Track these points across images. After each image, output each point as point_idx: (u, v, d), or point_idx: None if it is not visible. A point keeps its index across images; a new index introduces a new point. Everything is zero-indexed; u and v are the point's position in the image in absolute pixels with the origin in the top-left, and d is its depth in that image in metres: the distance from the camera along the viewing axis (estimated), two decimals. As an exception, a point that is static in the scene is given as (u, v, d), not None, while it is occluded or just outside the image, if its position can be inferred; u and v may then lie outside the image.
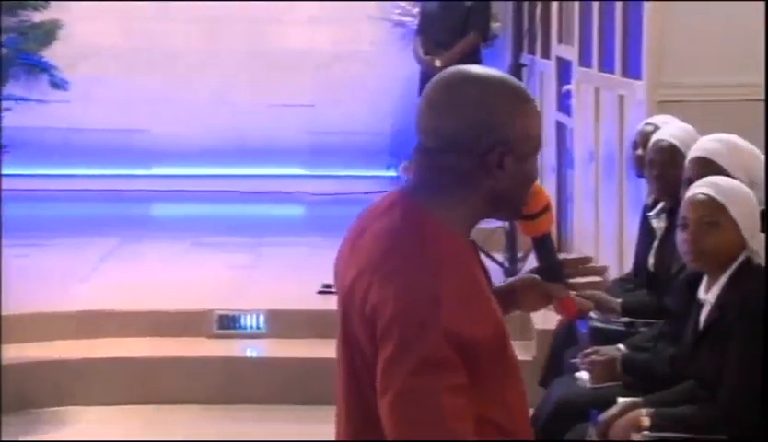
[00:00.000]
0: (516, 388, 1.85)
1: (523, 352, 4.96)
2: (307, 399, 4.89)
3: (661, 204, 3.82)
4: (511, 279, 2.08)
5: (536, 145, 1.85)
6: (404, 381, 1.71)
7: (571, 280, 2.03)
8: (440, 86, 1.83)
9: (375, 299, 1.76)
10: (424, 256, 1.76)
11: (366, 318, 1.77)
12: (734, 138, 3.40)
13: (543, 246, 2.03)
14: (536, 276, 2.03)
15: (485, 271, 1.89)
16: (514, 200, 1.86)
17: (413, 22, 7.97)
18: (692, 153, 3.45)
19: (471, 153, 1.79)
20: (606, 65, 5.32)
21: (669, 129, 3.84)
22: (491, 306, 1.81)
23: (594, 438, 3.06)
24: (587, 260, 2.08)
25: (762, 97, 4.25)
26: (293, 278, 5.84)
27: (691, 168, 3.38)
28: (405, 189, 1.85)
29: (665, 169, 3.72)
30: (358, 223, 1.90)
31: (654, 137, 3.83)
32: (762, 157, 3.36)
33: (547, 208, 1.98)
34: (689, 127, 3.82)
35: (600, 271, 2.15)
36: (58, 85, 7.37)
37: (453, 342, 1.71)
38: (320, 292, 5.54)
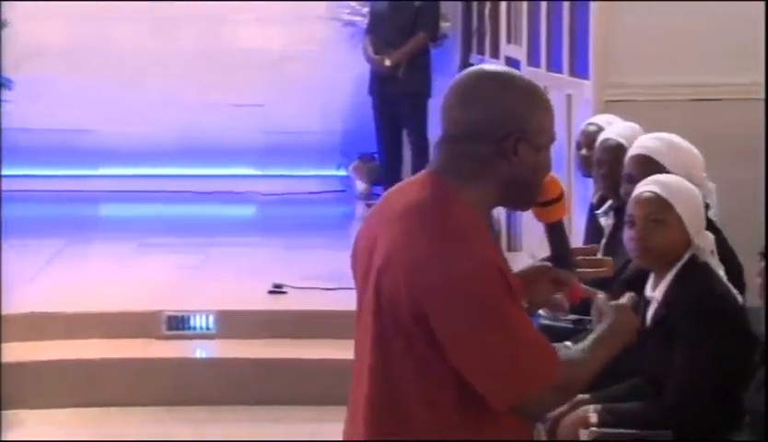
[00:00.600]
0: None
1: (473, 350, 4.98)
2: (258, 399, 4.88)
3: (609, 202, 3.85)
4: (523, 268, 2.20)
5: (550, 137, 2.04)
6: (476, 327, 1.91)
7: (579, 269, 2.16)
8: (464, 80, 2.04)
9: (421, 278, 1.92)
10: (455, 228, 1.95)
11: (413, 291, 1.92)
12: (673, 137, 3.45)
13: (556, 233, 2.13)
14: (548, 263, 2.16)
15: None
16: (529, 187, 2.03)
17: (363, 22, 7.97)
18: (632, 150, 3.49)
19: (489, 140, 1.98)
20: (554, 65, 5.36)
21: (616, 128, 3.88)
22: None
23: (542, 435, 3.08)
24: (593, 250, 2.27)
25: (706, 96, 4.32)
26: (243, 278, 5.81)
27: (631, 165, 3.43)
28: (432, 172, 2.03)
29: (612, 168, 3.75)
30: (384, 203, 2.09)
31: (601, 136, 3.87)
32: (700, 155, 3.41)
33: (561, 197, 2.10)
34: (635, 126, 3.86)
35: (605, 263, 2.27)
36: (3, 84, 7.27)
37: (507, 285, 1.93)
38: (270, 292, 5.52)
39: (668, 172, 3.23)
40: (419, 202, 1.99)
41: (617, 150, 3.75)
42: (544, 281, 2.14)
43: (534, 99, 2.02)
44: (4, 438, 4.60)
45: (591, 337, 2.08)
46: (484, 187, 2.00)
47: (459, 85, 2.03)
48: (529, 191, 2.04)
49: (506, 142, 1.98)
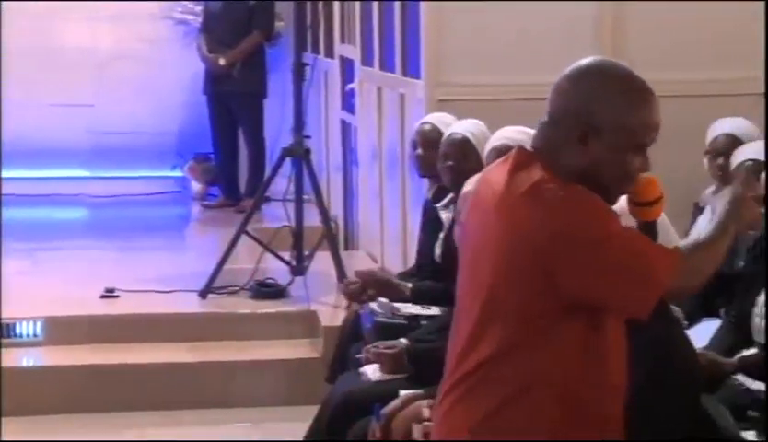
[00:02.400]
0: (618, 352, 2.14)
1: (311, 350, 4.97)
2: (90, 407, 4.75)
3: (450, 196, 3.91)
4: None
5: (633, 138, 2.05)
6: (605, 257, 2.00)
7: None
8: (570, 68, 2.12)
9: (526, 224, 2.01)
10: (570, 194, 2.02)
11: (520, 238, 2.01)
12: (532, 131, 3.51)
13: (647, 232, 2.19)
14: None
15: None
16: (602, 182, 2.06)
17: (196, 20, 7.87)
18: (492, 143, 3.59)
19: (564, 127, 2.06)
20: (387, 65, 5.40)
21: (464, 123, 3.98)
22: None
23: (377, 432, 3.09)
24: None
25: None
26: (73, 283, 5.64)
27: (493, 156, 3.51)
28: (531, 150, 2.12)
29: (458, 162, 3.83)
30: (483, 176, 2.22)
31: (448, 130, 3.96)
32: None
33: (658, 200, 2.18)
34: (481, 123, 3.95)
35: None
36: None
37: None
38: (102, 296, 5.39)
39: None
40: (511, 169, 2.06)
41: (462, 144, 3.85)
42: None
43: (619, 97, 2.04)
44: None
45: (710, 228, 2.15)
46: (565, 168, 2.05)
47: (564, 72, 2.12)
48: (606, 187, 2.06)
49: (575, 131, 2.04)
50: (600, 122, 2.03)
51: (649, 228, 2.20)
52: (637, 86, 2.07)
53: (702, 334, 3.51)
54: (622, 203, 2.24)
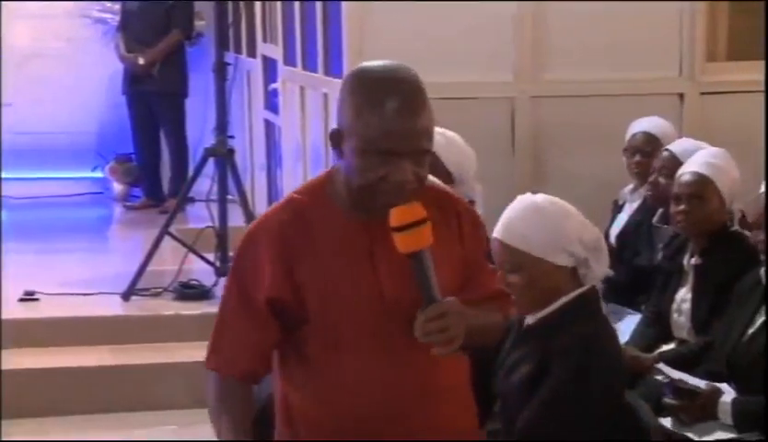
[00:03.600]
0: (353, 369, 2.05)
1: (236, 351, 4.95)
2: (13, 413, 4.67)
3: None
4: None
5: (369, 143, 1.94)
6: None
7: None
8: None
9: None
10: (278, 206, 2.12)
11: None
12: (452, 134, 3.53)
13: (414, 268, 1.89)
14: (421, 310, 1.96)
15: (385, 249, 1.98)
16: (351, 189, 2.01)
17: (114, 19, 7.78)
18: None
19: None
20: (310, 64, 5.40)
21: None
22: (325, 272, 2.03)
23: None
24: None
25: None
26: (-8, 286, 5.55)
27: None
28: None
29: None
30: None
31: None
32: (473, 157, 3.52)
33: (407, 228, 1.89)
34: None
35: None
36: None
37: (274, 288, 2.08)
38: (21, 300, 5.31)
39: (443, 165, 3.32)
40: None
41: None
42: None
43: (352, 99, 1.98)
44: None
45: None
46: (339, 178, 2.05)
47: None
48: (353, 194, 2.00)
49: (334, 134, 2.02)
50: (341, 125, 1.99)
51: (414, 264, 1.89)
52: (376, 89, 1.97)
53: (627, 329, 3.58)
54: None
